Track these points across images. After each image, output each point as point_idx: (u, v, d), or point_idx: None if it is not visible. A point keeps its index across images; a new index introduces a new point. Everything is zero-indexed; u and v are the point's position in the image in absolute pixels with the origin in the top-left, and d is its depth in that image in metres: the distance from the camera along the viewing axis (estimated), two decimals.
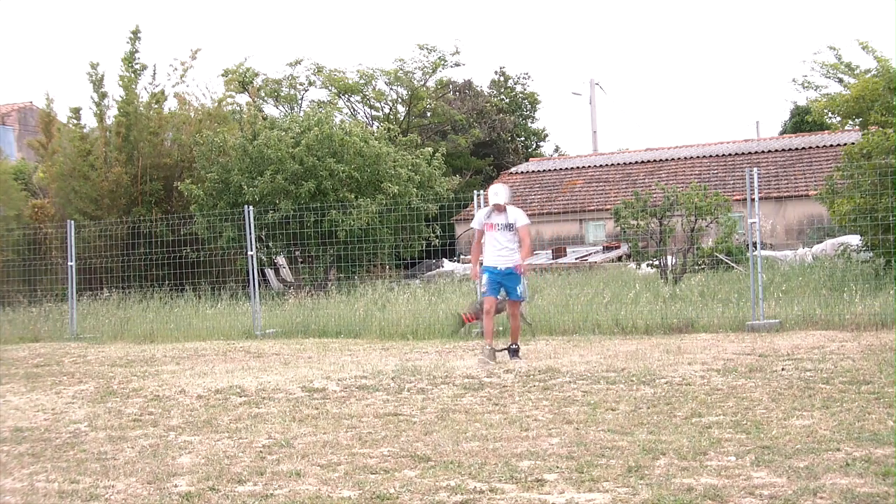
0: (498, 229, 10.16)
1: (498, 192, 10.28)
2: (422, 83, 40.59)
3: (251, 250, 15.15)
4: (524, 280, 10.40)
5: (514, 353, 10.31)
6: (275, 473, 5.65)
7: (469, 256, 15.50)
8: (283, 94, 40.28)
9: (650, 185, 26.70)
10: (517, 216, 10.25)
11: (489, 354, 9.99)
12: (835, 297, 12.90)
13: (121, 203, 22.60)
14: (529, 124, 48.61)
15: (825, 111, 20.60)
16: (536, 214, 33.51)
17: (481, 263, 10.36)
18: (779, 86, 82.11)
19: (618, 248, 27.63)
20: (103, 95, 23.82)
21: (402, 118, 40.19)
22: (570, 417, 6.96)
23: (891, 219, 14.43)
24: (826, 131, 33.06)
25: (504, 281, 10.15)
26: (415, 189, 21.79)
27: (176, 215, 20.85)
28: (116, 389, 9.49)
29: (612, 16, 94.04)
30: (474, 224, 10.53)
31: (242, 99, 33.34)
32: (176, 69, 24.42)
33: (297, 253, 20.99)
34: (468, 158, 41.21)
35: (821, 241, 22.98)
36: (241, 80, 34.92)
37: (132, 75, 23.53)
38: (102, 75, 23.80)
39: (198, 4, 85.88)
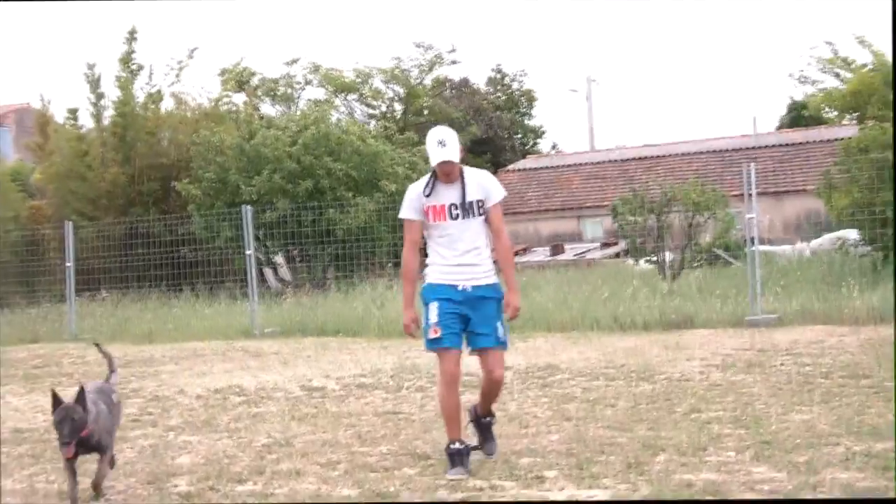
0: (451, 216, 5.54)
1: (444, 138, 5.56)
2: (418, 81, 40.57)
3: (249, 250, 15.13)
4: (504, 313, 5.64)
5: (485, 429, 5.86)
6: (274, 473, 5.65)
7: None
8: (279, 93, 40.23)
9: (647, 182, 26.71)
10: (487, 185, 5.65)
11: (461, 460, 5.48)
12: (833, 292, 12.90)
13: (118, 203, 22.55)
14: (526, 121, 48.62)
15: (822, 106, 20.59)
16: (534, 212, 33.51)
17: (425, 287, 5.68)
18: (775, 80, 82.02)
19: (616, 244, 27.65)
20: (100, 96, 23.77)
21: (400, 116, 40.17)
22: (569, 414, 6.96)
23: (888, 213, 14.43)
24: (823, 126, 33.07)
25: (472, 312, 5.50)
26: None
27: (173, 215, 20.82)
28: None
29: (607, 12, 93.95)
30: (405, 212, 5.68)
31: (239, 98, 33.28)
32: (172, 69, 24.38)
33: (295, 252, 20.97)
34: (467, 157, 41.19)
35: (818, 236, 22.99)
36: (238, 80, 34.87)
37: (129, 76, 23.49)
38: (99, 76, 23.77)
39: (194, 4, 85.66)
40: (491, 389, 5.75)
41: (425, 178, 5.70)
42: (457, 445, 5.51)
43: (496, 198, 5.64)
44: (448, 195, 5.56)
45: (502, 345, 5.59)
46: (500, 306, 5.60)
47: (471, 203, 5.55)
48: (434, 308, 5.49)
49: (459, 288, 5.50)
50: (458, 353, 5.53)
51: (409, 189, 5.76)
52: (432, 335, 5.48)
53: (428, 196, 5.59)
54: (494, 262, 5.70)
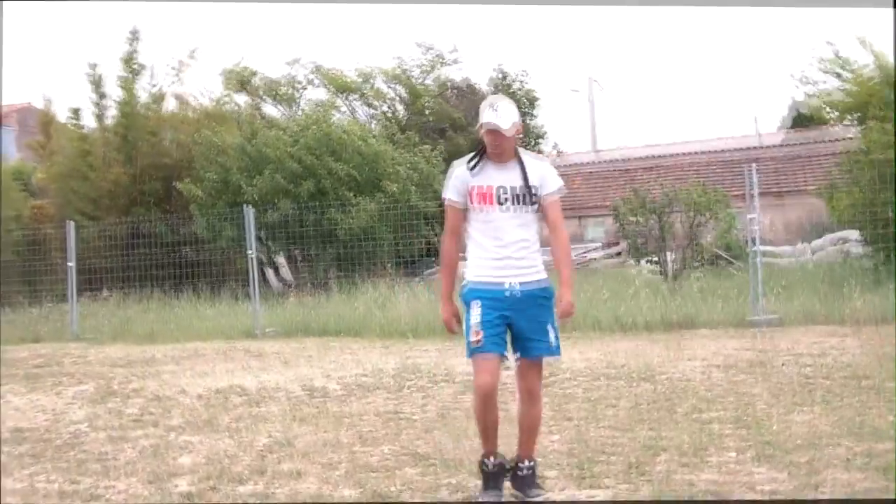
0: (499, 201, 4.79)
1: (498, 103, 4.81)
2: (420, 82, 40.57)
3: (251, 250, 15.14)
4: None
5: (527, 484, 4.87)
6: (275, 473, 5.65)
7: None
8: (281, 93, 40.23)
9: (649, 183, 26.72)
10: (543, 172, 4.88)
11: (496, 481, 4.92)
12: (834, 293, 12.89)
13: (120, 203, 22.56)
14: (528, 122, 48.62)
15: (824, 107, 20.59)
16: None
17: (465, 285, 4.86)
18: (777, 81, 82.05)
19: (617, 244, 27.67)
20: (102, 96, 23.80)
21: (401, 117, 40.17)
22: (570, 415, 6.96)
23: (889, 213, 14.43)
24: (825, 127, 33.05)
25: (519, 316, 4.78)
26: (414, 187, 21.77)
27: (175, 215, 20.83)
28: (117, 390, 9.49)
29: (609, 13, 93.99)
30: (449, 193, 4.91)
31: (241, 98, 33.30)
32: (175, 69, 24.39)
33: (297, 252, 20.98)
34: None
35: (820, 237, 22.98)
36: (240, 80, 34.89)
37: (131, 76, 23.51)
38: (101, 76, 23.79)
39: (196, 5, 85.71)
40: (529, 412, 4.96)
41: (469, 158, 4.90)
42: (492, 461, 4.87)
43: (553, 187, 4.87)
44: (498, 177, 4.79)
45: (555, 352, 4.90)
46: (551, 307, 4.84)
47: (524, 189, 4.77)
48: (476, 308, 4.74)
49: (506, 287, 4.73)
50: (498, 362, 4.77)
51: (453, 166, 4.95)
52: (473, 338, 4.71)
53: (474, 175, 4.82)
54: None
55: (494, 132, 4.72)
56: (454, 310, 4.91)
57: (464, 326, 4.80)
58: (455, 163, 4.96)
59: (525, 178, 4.77)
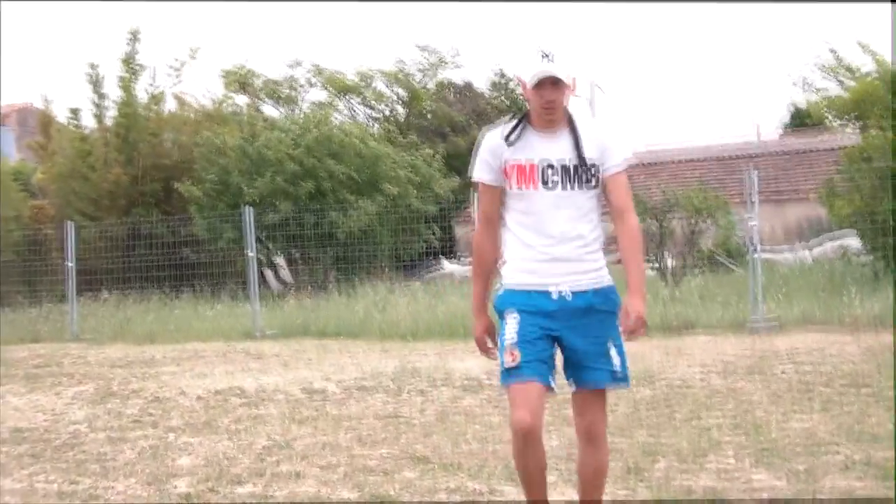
0: (545, 181, 3.65)
1: (551, 52, 3.60)
2: (421, 84, 40.59)
3: (251, 251, 15.15)
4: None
5: None
6: (274, 475, 5.66)
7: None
8: (282, 94, 40.24)
9: (649, 186, 26.73)
10: (605, 142, 3.69)
11: None
12: (834, 298, 12.89)
13: (120, 204, 22.58)
14: None
15: (824, 112, 20.62)
16: None
17: (498, 290, 3.79)
18: (778, 86, 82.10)
19: (616, 249, 27.68)
20: (102, 96, 23.82)
21: (401, 118, 40.19)
22: (569, 418, 6.94)
23: (890, 221, 14.42)
24: (826, 133, 33.06)
25: (568, 333, 3.69)
26: (413, 189, 21.80)
27: (175, 216, 20.85)
28: (116, 390, 9.49)
29: (610, 17, 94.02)
30: (477, 171, 3.82)
31: (242, 100, 33.31)
32: (175, 69, 24.41)
33: (297, 254, 21.00)
34: (468, 159, 41.05)
35: (819, 241, 22.99)
36: (241, 81, 34.90)
37: (131, 76, 23.52)
38: (101, 76, 23.81)
39: (196, 5, 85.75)
40: (590, 459, 3.85)
41: (507, 124, 3.75)
42: None
43: (617, 159, 3.69)
44: (543, 149, 3.63)
45: (621, 381, 3.76)
46: (614, 323, 3.72)
47: (579, 165, 3.63)
48: (513, 322, 3.62)
49: (553, 294, 3.63)
50: (541, 391, 3.66)
51: (485, 136, 3.79)
52: (507, 360, 3.60)
53: (511, 145, 3.66)
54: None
55: (546, 85, 3.57)
56: (487, 324, 3.81)
57: (498, 344, 3.73)
58: (486, 133, 3.79)
59: (579, 150, 3.61)
